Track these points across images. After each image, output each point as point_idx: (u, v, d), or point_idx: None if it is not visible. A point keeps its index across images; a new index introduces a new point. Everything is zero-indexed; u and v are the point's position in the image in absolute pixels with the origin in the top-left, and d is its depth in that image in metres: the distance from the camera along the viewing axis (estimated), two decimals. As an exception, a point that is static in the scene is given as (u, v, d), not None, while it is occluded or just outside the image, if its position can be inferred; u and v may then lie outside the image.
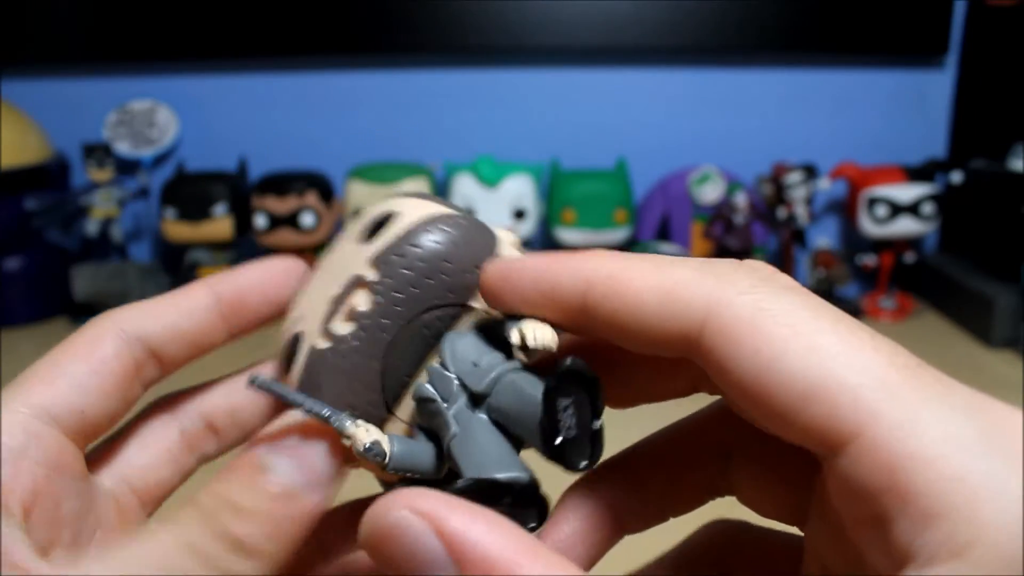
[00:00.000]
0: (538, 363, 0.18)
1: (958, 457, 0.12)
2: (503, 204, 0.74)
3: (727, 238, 0.72)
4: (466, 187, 0.74)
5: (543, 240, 0.81)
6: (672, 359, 0.16)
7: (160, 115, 0.80)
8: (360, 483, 0.19)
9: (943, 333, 0.70)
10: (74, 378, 0.19)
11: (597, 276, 0.16)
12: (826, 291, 0.74)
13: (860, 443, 0.13)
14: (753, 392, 0.14)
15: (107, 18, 0.78)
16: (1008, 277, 0.67)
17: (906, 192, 0.73)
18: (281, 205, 0.73)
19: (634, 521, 0.19)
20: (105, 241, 0.77)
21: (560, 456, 0.16)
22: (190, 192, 0.74)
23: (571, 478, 0.18)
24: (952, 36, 0.78)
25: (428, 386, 0.18)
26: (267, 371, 0.19)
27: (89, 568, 0.15)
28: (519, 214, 0.75)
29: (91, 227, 0.75)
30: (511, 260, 0.18)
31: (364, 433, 0.17)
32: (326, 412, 0.17)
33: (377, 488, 0.19)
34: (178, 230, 0.74)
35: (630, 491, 0.19)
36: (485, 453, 0.17)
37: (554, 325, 0.17)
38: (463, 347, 0.18)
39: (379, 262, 0.18)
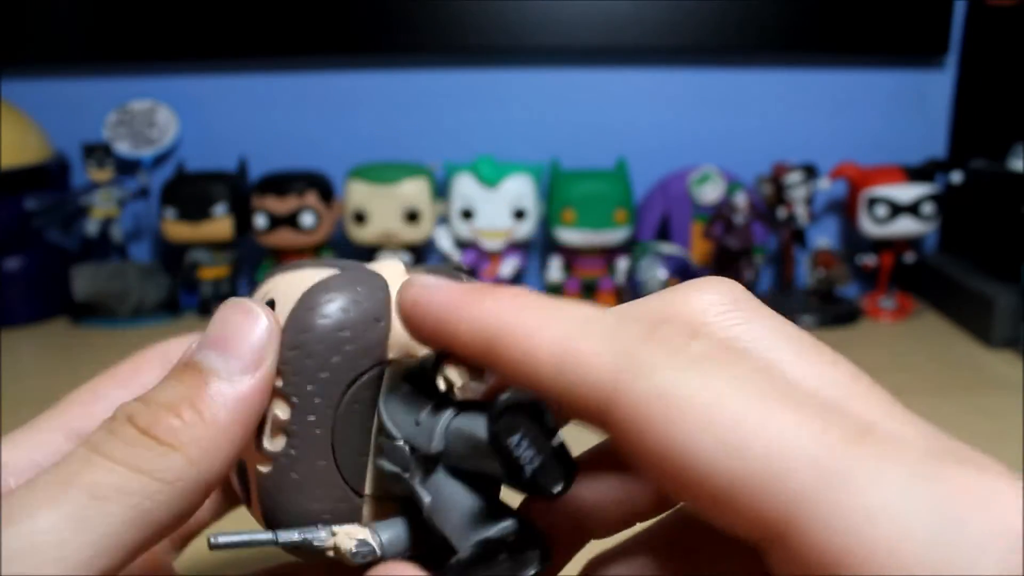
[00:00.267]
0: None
1: (895, 546, 0.11)
2: (503, 204, 0.74)
3: (727, 238, 0.72)
4: (466, 187, 0.74)
5: (543, 240, 0.81)
6: None
7: (160, 115, 0.80)
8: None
9: (943, 333, 0.70)
10: (111, 403, 0.19)
11: (497, 331, 0.15)
12: (826, 291, 0.74)
13: (790, 539, 0.12)
14: (670, 485, 0.13)
15: (107, 18, 0.78)
16: (1008, 277, 0.67)
17: (906, 192, 0.73)
18: (281, 205, 0.73)
19: (599, 528, 0.18)
20: (105, 241, 0.77)
21: (534, 488, 0.15)
22: (190, 192, 0.74)
23: None
24: (952, 36, 0.78)
25: (386, 463, 0.17)
26: (223, 533, 0.18)
27: (10, 506, 0.14)
28: (519, 214, 0.75)
29: (91, 227, 0.75)
30: (421, 286, 0.17)
31: (346, 539, 0.16)
32: (297, 537, 0.16)
33: None
34: (178, 230, 0.74)
35: (595, 495, 0.18)
36: (464, 514, 0.16)
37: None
38: (399, 409, 0.17)
39: (279, 363, 0.17)
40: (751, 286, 0.73)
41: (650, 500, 0.17)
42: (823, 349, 0.15)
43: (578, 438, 0.17)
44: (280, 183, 0.74)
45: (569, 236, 0.75)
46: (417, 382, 0.17)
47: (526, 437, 0.15)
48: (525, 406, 0.15)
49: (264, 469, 0.17)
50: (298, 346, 0.17)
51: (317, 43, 0.79)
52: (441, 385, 0.16)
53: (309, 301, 0.17)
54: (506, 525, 0.16)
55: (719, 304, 0.16)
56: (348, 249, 0.78)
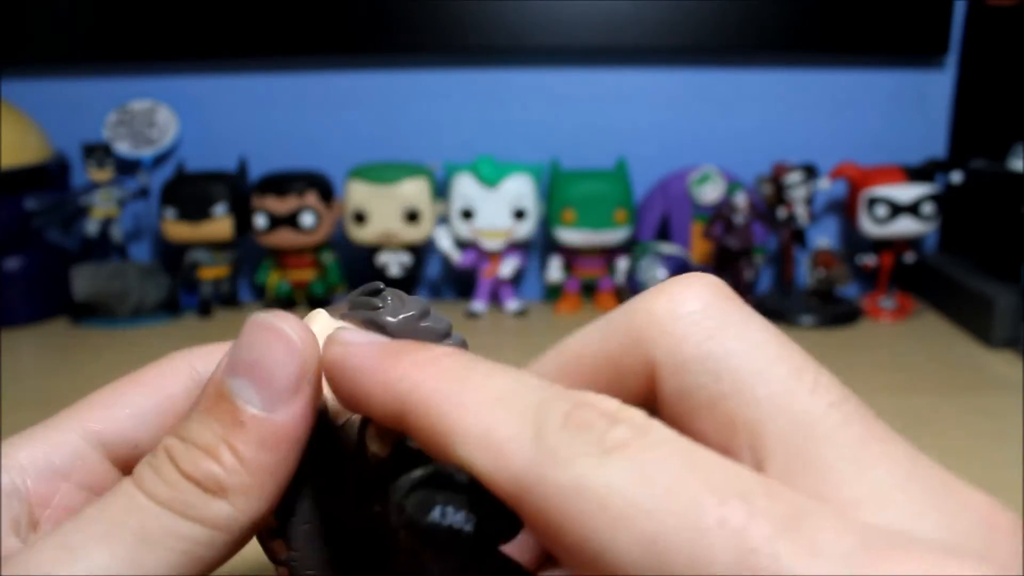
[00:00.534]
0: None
1: None
2: (503, 204, 0.74)
3: (727, 238, 0.72)
4: (466, 187, 0.74)
5: (543, 240, 0.81)
6: None
7: (160, 115, 0.80)
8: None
9: (943, 333, 0.70)
10: (135, 410, 0.19)
11: (410, 401, 0.14)
12: (826, 291, 0.74)
13: None
14: None
15: (107, 18, 0.78)
16: (1008, 277, 0.67)
17: (906, 192, 0.73)
18: (281, 205, 0.73)
19: None
20: (105, 241, 0.77)
21: (488, 541, 0.14)
22: (190, 192, 0.74)
23: None
24: (952, 36, 0.78)
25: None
26: None
27: (42, 551, 0.14)
28: (519, 214, 0.75)
29: (91, 227, 0.75)
30: (341, 344, 0.16)
31: None
32: None
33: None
34: (178, 230, 0.74)
35: None
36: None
37: None
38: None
39: None
40: (751, 286, 0.73)
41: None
42: (804, 371, 0.14)
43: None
44: (280, 183, 0.74)
45: (569, 236, 0.75)
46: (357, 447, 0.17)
47: (447, 504, 0.14)
48: (424, 482, 0.14)
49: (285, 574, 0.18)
50: None
51: (317, 43, 0.79)
52: (373, 448, 0.16)
53: None
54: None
55: (692, 313, 0.15)
56: (349, 249, 0.78)
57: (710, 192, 0.75)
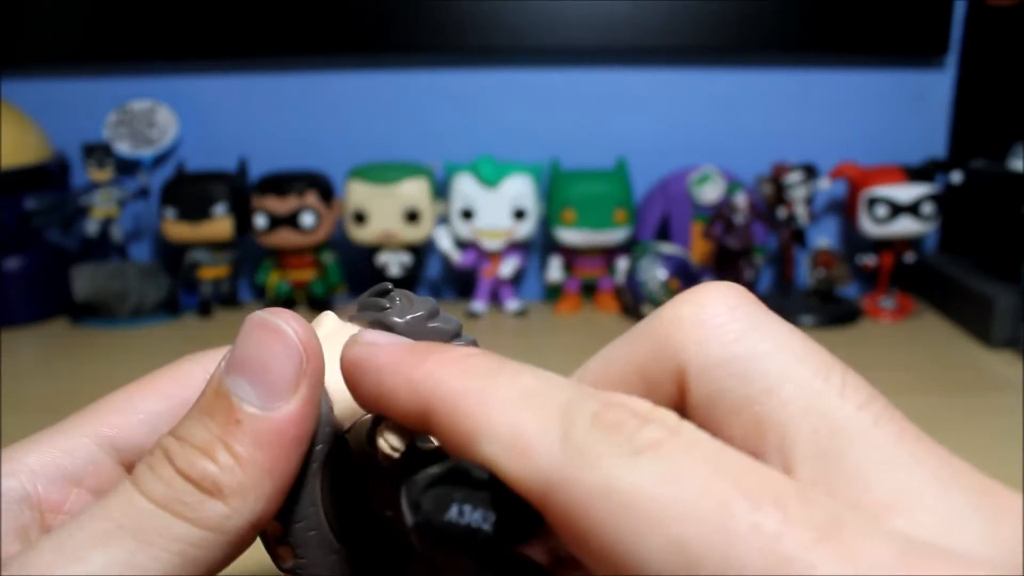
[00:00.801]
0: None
1: None
2: (503, 204, 0.74)
3: (727, 238, 0.72)
4: (466, 187, 0.74)
5: (543, 240, 0.81)
6: None
7: (160, 115, 0.80)
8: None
9: (943, 333, 0.70)
10: (149, 416, 0.19)
11: (436, 400, 0.14)
12: (826, 291, 0.74)
13: None
14: None
15: (107, 18, 0.78)
16: (1008, 277, 0.67)
17: (906, 192, 0.73)
18: (281, 205, 0.73)
19: None
20: (105, 241, 0.77)
21: (507, 541, 0.14)
22: (190, 192, 0.74)
23: None
24: (952, 36, 0.78)
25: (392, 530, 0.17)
26: None
27: (40, 552, 0.14)
28: (519, 214, 0.75)
29: (91, 227, 0.75)
30: (363, 345, 0.16)
31: None
32: None
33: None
34: (178, 230, 0.74)
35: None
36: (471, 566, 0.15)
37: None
38: (375, 479, 0.17)
39: None
40: (751, 286, 0.73)
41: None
42: (831, 371, 0.14)
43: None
44: (280, 183, 0.74)
45: (569, 236, 0.75)
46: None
47: (464, 503, 0.14)
48: (441, 479, 0.14)
49: None
50: None
51: (317, 43, 0.79)
52: (386, 449, 0.15)
53: None
54: None
55: (718, 317, 0.15)
56: (349, 249, 0.78)
57: (710, 192, 0.75)
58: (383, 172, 0.74)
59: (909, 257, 0.76)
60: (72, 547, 0.14)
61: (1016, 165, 0.70)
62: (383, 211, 0.74)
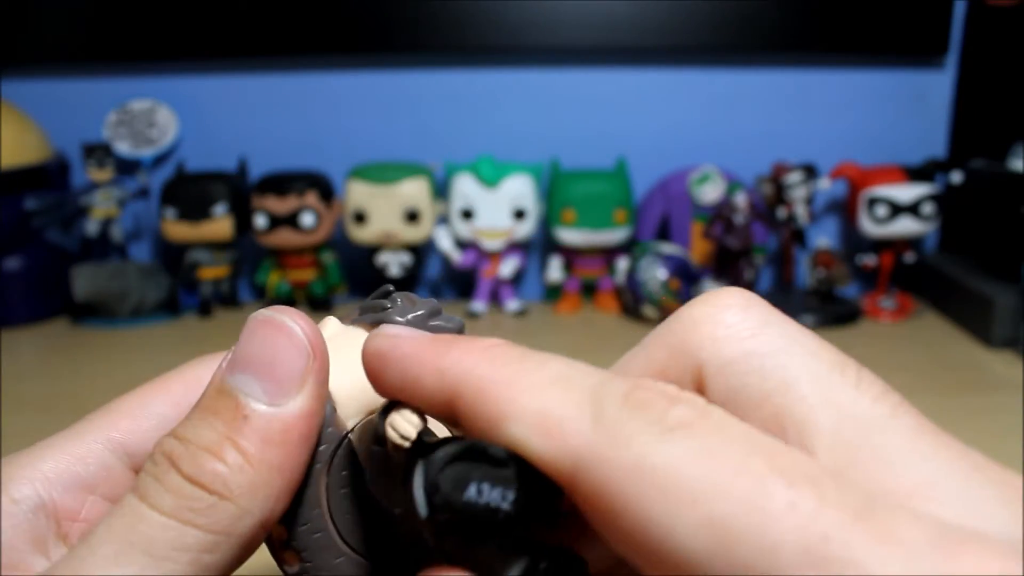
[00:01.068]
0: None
1: None
2: (503, 204, 0.74)
3: (727, 238, 0.72)
4: (466, 187, 0.74)
5: (543, 240, 0.81)
6: None
7: (160, 115, 0.80)
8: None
9: (943, 333, 0.70)
10: (160, 420, 0.18)
11: (463, 386, 0.14)
12: (826, 291, 0.74)
13: None
14: (643, 565, 0.12)
15: (107, 18, 0.78)
16: (1008, 277, 0.67)
17: (906, 192, 0.73)
18: (281, 205, 0.73)
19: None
20: (105, 241, 0.77)
21: (525, 519, 0.14)
22: (190, 192, 0.74)
23: None
24: (952, 36, 0.78)
25: (400, 528, 0.17)
26: None
27: (69, 565, 0.14)
28: (519, 214, 0.75)
29: (91, 227, 0.75)
30: (388, 336, 0.16)
31: None
32: None
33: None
34: (178, 230, 0.74)
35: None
36: (487, 559, 0.15)
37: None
38: (381, 476, 0.16)
39: None
40: (751, 286, 0.73)
41: (603, 559, 0.16)
42: (846, 366, 0.14)
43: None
44: (280, 183, 0.74)
45: (569, 236, 0.75)
46: (384, 441, 0.16)
47: (483, 481, 0.14)
48: (459, 456, 0.13)
49: None
50: None
51: (317, 43, 0.79)
52: (396, 438, 0.15)
53: None
54: (528, 559, 0.14)
55: (734, 314, 0.15)
56: (349, 249, 0.78)
57: (710, 192, 0.75)
58: (383, 172, 0.74)
59: (909, 257, 0.76)
60: (87, 570, 0.14)
61: (1016, 165, 0.70)
62: (383, 211, 0.74)
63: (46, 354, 0.69)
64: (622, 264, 0.75)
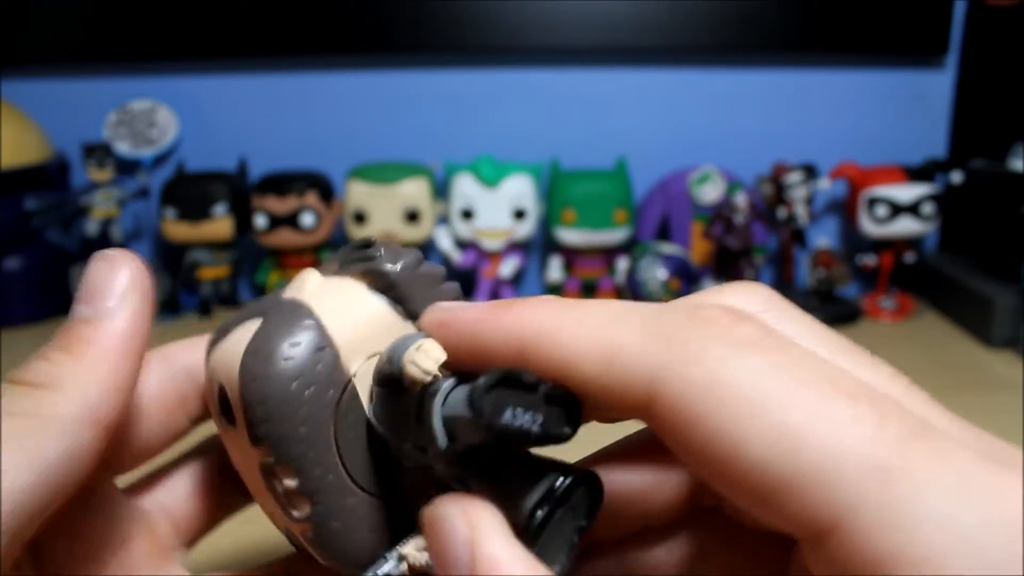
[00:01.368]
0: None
1: (949, 552, 0.10)
2: (503, 204, 0.74)
3: (727, 238, 0.72)
4: (466, 187, 0.74)
5: (543, 240, 0.81)
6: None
7: (160, 115, 0.80)
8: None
9: (943, 333, 0.70)
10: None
11: (531, 336, 0.15)
12: (826, 291, 0.74)
13: (839, 536, 0.11)
14: (715, 478, 0.13)
15: (107, 18, 0.78)
16: (1008, 277, 0.67)
17: (906, 192, 0.73)
18: (281, 205, 0.73)
19: (618, 524, 0.17)
20: (105, 241, 0.77)
21: (547, 441, 0.15)
22: (190, 192, 0.74)
23: None
24: (952, 36, 0.78)
25: (409, 463, 0.17)
26: None
27: None
28: (519, 214, 0.75)
29: (91, 227, 0.75)
30: (446, 308, 0.16)
31: (418, 555, 0.16)
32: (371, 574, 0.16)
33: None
34: (178, 230, 0.74)
35: (615, 489, 0.17)
36: (503, 486, 0.16)
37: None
38: (390, 415, 0.17)
39: (258, 441, 0.16)
40: (751, 286, 0.73)
41: (671, 499, 0.17)
42: (858, 349, 0.15)
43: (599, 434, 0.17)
44: (280, 183, 0.74)
45: (569, 236, 0.75)
46: (393, 382, 0.17)
47: (517, 406, 0.15)
48: (497, 383, 0.14)
49: (308, 533, 0.17)
50: (265, 419, 0.16)
51: (317, 43, 0.79)
52: (416, 374, 0.16)
53: (249, 372, 0.17)
54: (547, 484, 0.15)
55: (751, 305, 0.15)
56: (348, 249, 0.78)
57: (710, 192, 0.75)
58: (383, 172, 0.74)
59: (909, 257, 0.76)
60: None
61: (1016, 165, 0.70)
62: (383, 211, 0.74)
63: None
64: (622, 264, 0.75)
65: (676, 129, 0.81)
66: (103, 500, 0.19)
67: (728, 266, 0.73)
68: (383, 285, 0.18)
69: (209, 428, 0.21)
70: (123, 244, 0.77)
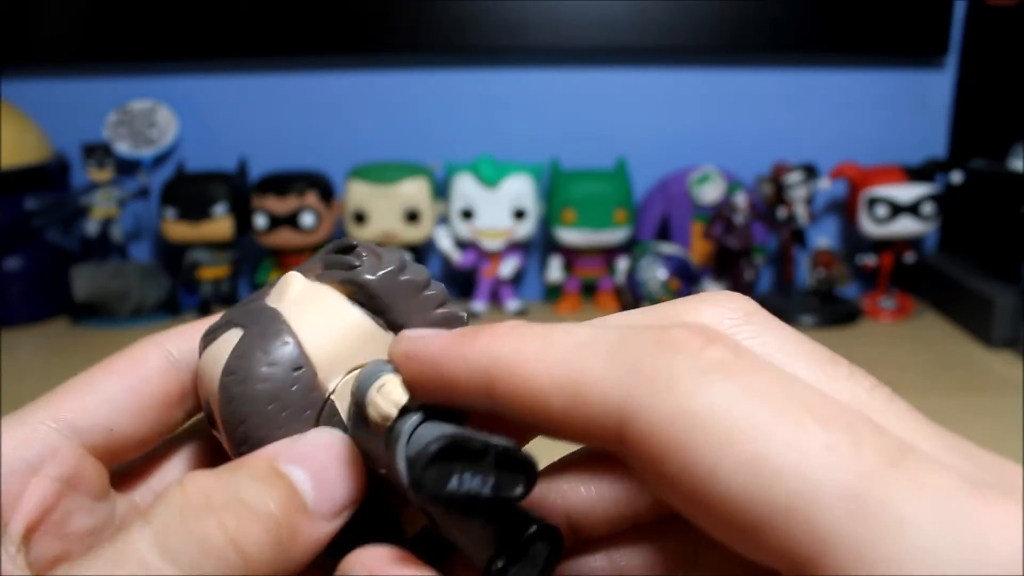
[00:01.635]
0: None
1: None
2: (503, 204, 0.74)
3: (727, 238, 0.72)
4: (466, 187, 0.74)
5: (543, 240, 0.81)
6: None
7: (160, 115, 0.80)
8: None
9: (943, 333, 0.70)
10: (107, 395, 0.18)
11: (495, 371, 0.14)
12: (826, 291, 0.74)
13: (820, 572, 0.11)
14: (691, 513, 0.12)
15: (107, 18, 0.78)
16: (1008, 277, 0.67)
17: (906, 192, 0.73)
18: (281, 205, 0.73)
19: (594, 527, 0.17)
20: (105, 241, 0.77)
21: (503, 501, 0.14)
22: (190, 192, 0.74)
23: None
24: (952, 36, 0.78)
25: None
26: None
27: None
28: (519, 214, 0.75)
29: (91, 227, 0.75)
30: (413, 339, 0.16)
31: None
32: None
33: None
34: (178, 230, 0.74)
35: (589, 496, 0.17)
36: (471, 532, 0.15)
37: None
38: (365, 436, 0.16)
39: (239, 457, 0.16)
40: (751, 286, 0.73)
41: (648, 504, 0.17)
42: (838, 361, 0.15)
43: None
44: (280, 183, 0.74)
45: (569, 236, 0.75)
46: (363, 412, 0.16)
47: (464, 472, 0.14)
48: (440, 453, 0.14)
49: None
50: (243, 440, 0.16)
51: (317, 43, 0.79)
52: (376, 418, 0.15)
53: (227, 392, 0.17)
54: (508, 535, 0.15)
55: (728, 317, 0.15)
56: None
57: (710, 192, 0.75)
58: (383, 172, 0.74)
59: (909, 257, 0.76)
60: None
61: (1016, 165, 0.70)
62: (383, 211, 0.74)
63: (46, 354, 0.69)
64: (622, 264, 0.75)
65: (676, 129, 0.81)
66: (97, 498, 0.19)
67: (728, 266, 0.73)
68: (363, 296, 0.18)
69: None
70: (123, 244, 0.77)
